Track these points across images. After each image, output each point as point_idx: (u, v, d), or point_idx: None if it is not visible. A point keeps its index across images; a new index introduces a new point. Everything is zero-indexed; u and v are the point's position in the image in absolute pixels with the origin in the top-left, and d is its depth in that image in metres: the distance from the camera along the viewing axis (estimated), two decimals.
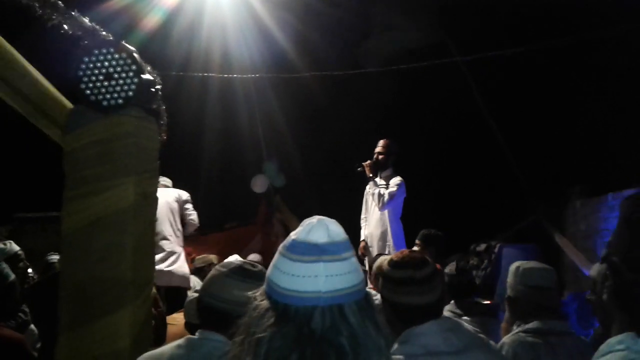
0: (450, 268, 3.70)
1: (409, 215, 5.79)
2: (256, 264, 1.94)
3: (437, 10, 7.53)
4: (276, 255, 1.18)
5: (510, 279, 2.70)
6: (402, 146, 5.87)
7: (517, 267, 2.69)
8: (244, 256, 6.04)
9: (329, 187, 8.91)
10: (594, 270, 1.54)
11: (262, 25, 7.05)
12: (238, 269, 1.86)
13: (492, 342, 2.01)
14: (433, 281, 1.94)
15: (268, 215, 8.98)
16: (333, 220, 1.20)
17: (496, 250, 7.03)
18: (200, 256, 6.60)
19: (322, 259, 1.12)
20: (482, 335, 2.01)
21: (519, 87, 8.33)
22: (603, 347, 1.14)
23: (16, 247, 4.08)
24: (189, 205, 5.83)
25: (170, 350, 1.82)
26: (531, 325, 2.50)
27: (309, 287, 1.10)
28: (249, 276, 1.84)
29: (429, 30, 7.52)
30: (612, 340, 1.13)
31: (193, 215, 5.83)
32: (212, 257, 6.30)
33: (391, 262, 2.01)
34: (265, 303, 1.15)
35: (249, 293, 1.68)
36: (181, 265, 5.42)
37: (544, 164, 8.34)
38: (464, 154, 9.01)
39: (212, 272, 1.93)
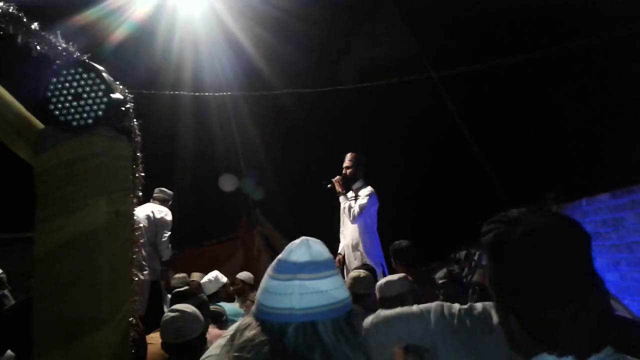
0: (441, 275, 3.87)
1: (389, 227, 5.80)
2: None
3: (412, 26, 7.62)
4: (264, 275, 1.25)
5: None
6: (380, 159, 5.89)
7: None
8: (225, 272, 6.01)
9: (305, 201, 8.92)
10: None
11: (236, 42, 7.06)
12: None
13: None
14: None
15: (249, 230, 8.94)
16: (318, 241, 1.26)
17: (476, 257, 7.07)
18: (179, 275, 6.54)
19: (297, 277, 1.17)
20: None
21: (492, 96, 8.45)
22: None
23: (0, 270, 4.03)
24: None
25: None
26: None
27: (283, 304, 1.16)
28: None
29: (404, 46, 7.60)
30: None
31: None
32: (196, 275, 6.21)
33: None
34: (249, 319, 1.21)
35: None
36: None
37: (520, 170, 8.44)
38: (441, 164, 9.09)
39: None
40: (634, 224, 5.08)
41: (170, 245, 6.19)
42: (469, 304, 1.99)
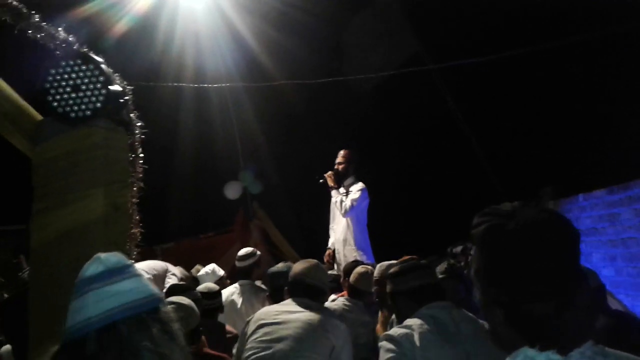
0: (440, 269, 3.82)
1: (386, 220, 5.83)
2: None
3: (411, 20, 7.62)
4: None
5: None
6: (378, 151, 5.93)
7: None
8: (222, 265, 6.01)
9: (304, 194, 8.93)
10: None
11: (237, 34, 7.03)
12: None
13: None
14: (431, 268, 2.61)
15: (246, 222, 8.92)
16: (115, 253, 1.30)
17: (472, 251, 7.06)
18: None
19: (91, 289, 1.21)
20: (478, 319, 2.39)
21: (490, 90, 8.45)
22: None
23: None
24: None
25: None
26: None
27: (81, 317, 1.19)
28: None
29: (405, 38, 7.59)
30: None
31: None
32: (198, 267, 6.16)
33: (397, 265, 2.62)
34: (55, 347, 1.26)
35: None
36: None
37: (517, 165, 8.45)
38: (438, 157, 9.10)
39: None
40: (629, 219, 5.10)
41: None
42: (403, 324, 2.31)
